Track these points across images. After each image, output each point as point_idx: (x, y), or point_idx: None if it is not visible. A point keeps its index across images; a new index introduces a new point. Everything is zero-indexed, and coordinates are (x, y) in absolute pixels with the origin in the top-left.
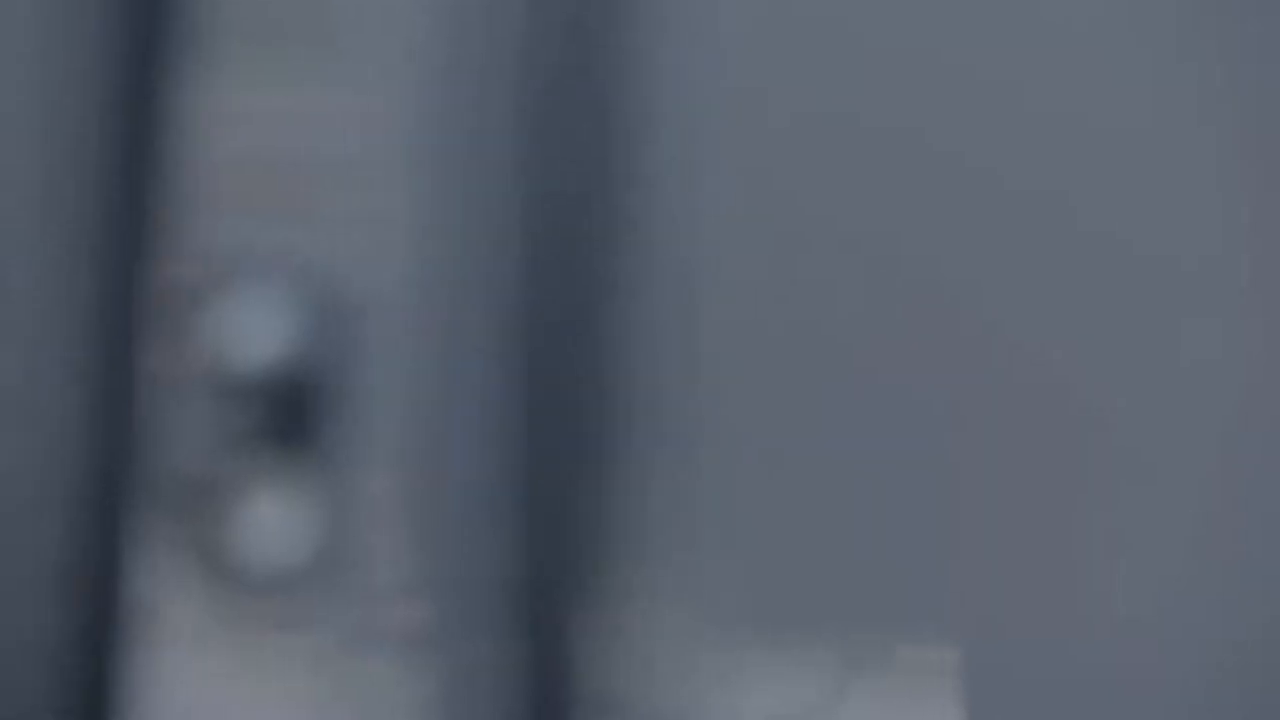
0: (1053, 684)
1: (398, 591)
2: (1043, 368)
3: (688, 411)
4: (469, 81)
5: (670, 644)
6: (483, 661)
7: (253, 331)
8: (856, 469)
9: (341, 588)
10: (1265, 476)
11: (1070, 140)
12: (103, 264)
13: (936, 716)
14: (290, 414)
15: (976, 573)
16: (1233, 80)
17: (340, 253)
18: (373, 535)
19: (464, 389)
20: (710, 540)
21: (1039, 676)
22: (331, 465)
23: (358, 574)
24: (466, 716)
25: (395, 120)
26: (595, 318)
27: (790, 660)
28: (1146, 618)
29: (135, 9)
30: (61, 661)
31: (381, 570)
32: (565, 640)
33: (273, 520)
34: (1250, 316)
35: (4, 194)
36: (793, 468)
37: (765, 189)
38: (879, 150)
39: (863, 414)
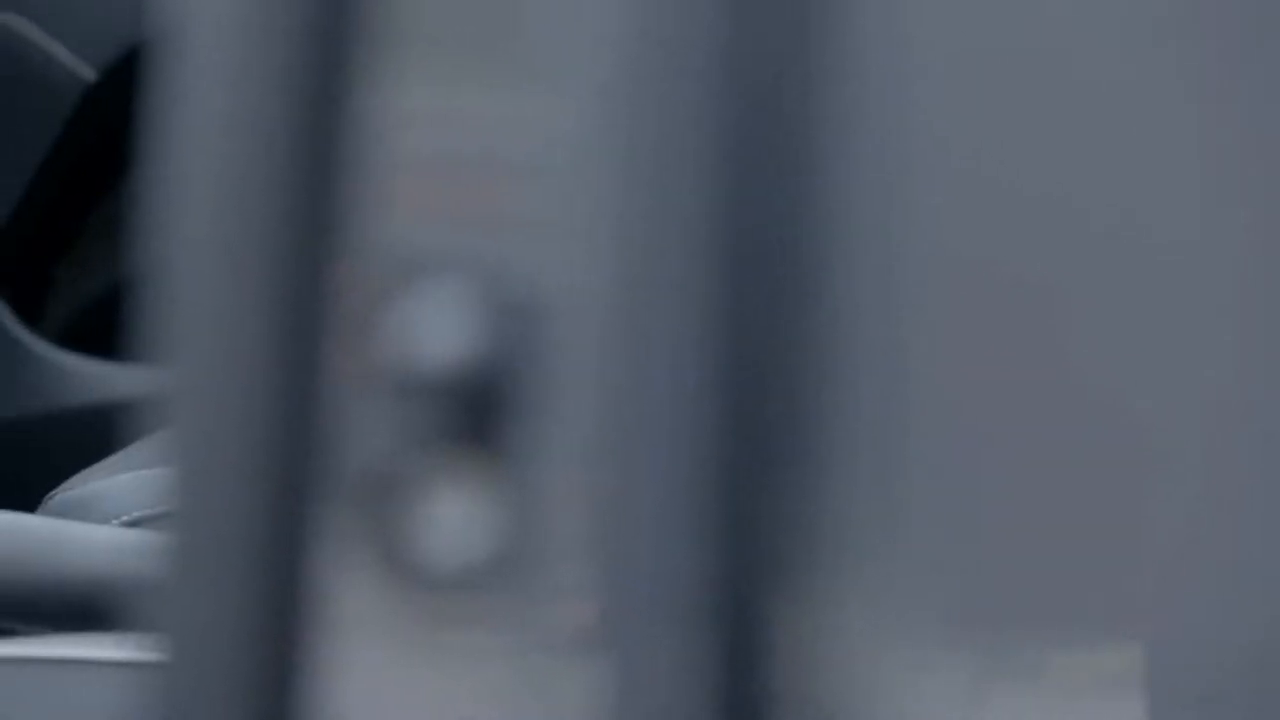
0: (1234, 690)
1: (582, 589)
2: (1232, 370)
3: (883, 412)
4: (659, 81)
5: (859, 644)
6: (667, 661)
7: (436, 331)
8: (1045, 469)
9: (525, 585)
10: None
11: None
12: (288, 264)
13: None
14: (474, 413)
15: (1160, 574)
16: None
17: (526, 252)
18: (556, 533)
19: (652, 387)
20: (900, 539)
21: (1215, 682)
22: (515, 464)
23: (541, 572)
24: (650, 716)
25: (582, 120)
26: (792, 316)
27: (974, 662)
28: None
29: (321, 8)
30: (246, 658)
31: (565, 568)
32: (753, 639)
33: (455, 518)
34: None
35: (191, 194)
36: (985, 467)
37: (966, 192)
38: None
39: (1051, 412)
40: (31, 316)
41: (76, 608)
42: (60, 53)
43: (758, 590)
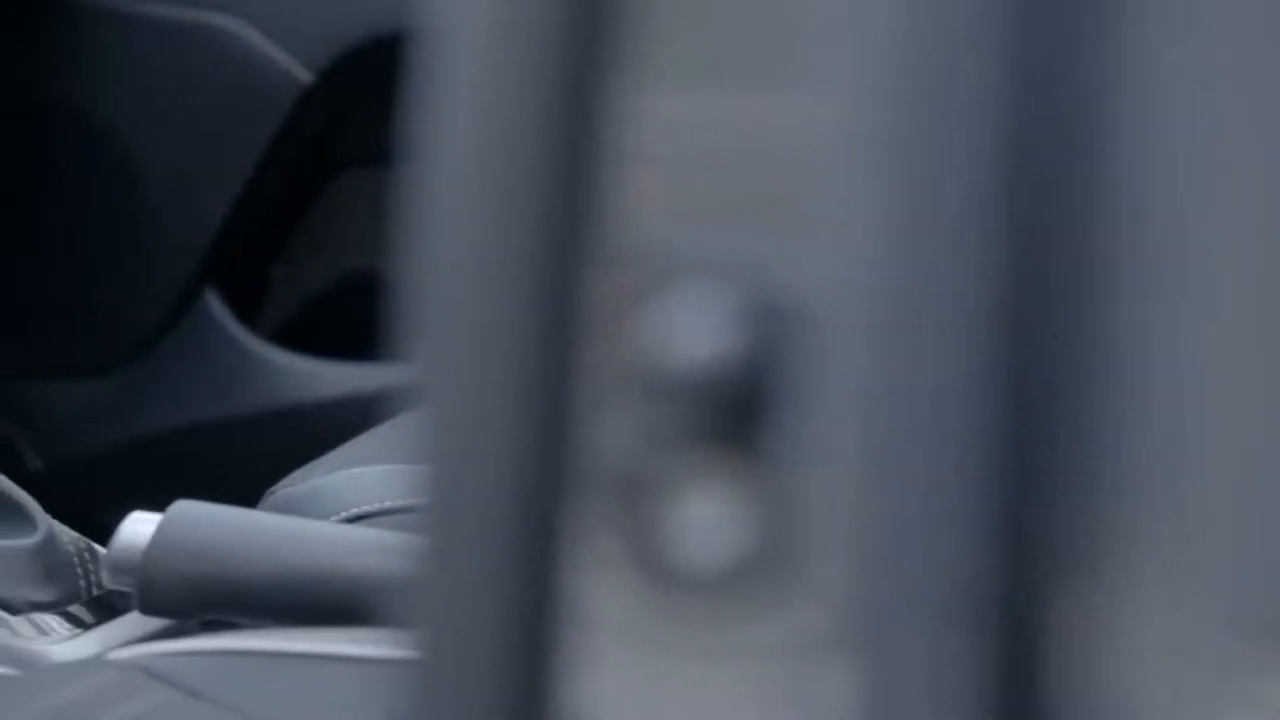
0: None
1: (838, 592)
2: None
3: (1166, 411)
4: (929, 75)
5: (1136, 651)
6: (928, 666)
7: (693, 331)
8: None
9: (780, 587)
10: None
11: None
12: (543, 262)
13: None
14: (730, 413)
15: None
16: None
17: (787, 252)
18: (813, 535)
19: (920, 387)
20: (1183, 541)
21: None
22: (771, 464)
23: (797, 573)
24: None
25: (847, 117)
26: (1071, 314)
27: (1256, 671)
28: None
29: (577, 5)
30: (497, 657)
31: (821, 570)
32: (1021, 644)
33: (709, 518)
34: None
35: (445, 193)
36: (1273, 470)
37: (1261, 197)
38: None
39: None
40: (248, 315)
41: (298, 602)
42: (277, 55)
43: (1027, 593)
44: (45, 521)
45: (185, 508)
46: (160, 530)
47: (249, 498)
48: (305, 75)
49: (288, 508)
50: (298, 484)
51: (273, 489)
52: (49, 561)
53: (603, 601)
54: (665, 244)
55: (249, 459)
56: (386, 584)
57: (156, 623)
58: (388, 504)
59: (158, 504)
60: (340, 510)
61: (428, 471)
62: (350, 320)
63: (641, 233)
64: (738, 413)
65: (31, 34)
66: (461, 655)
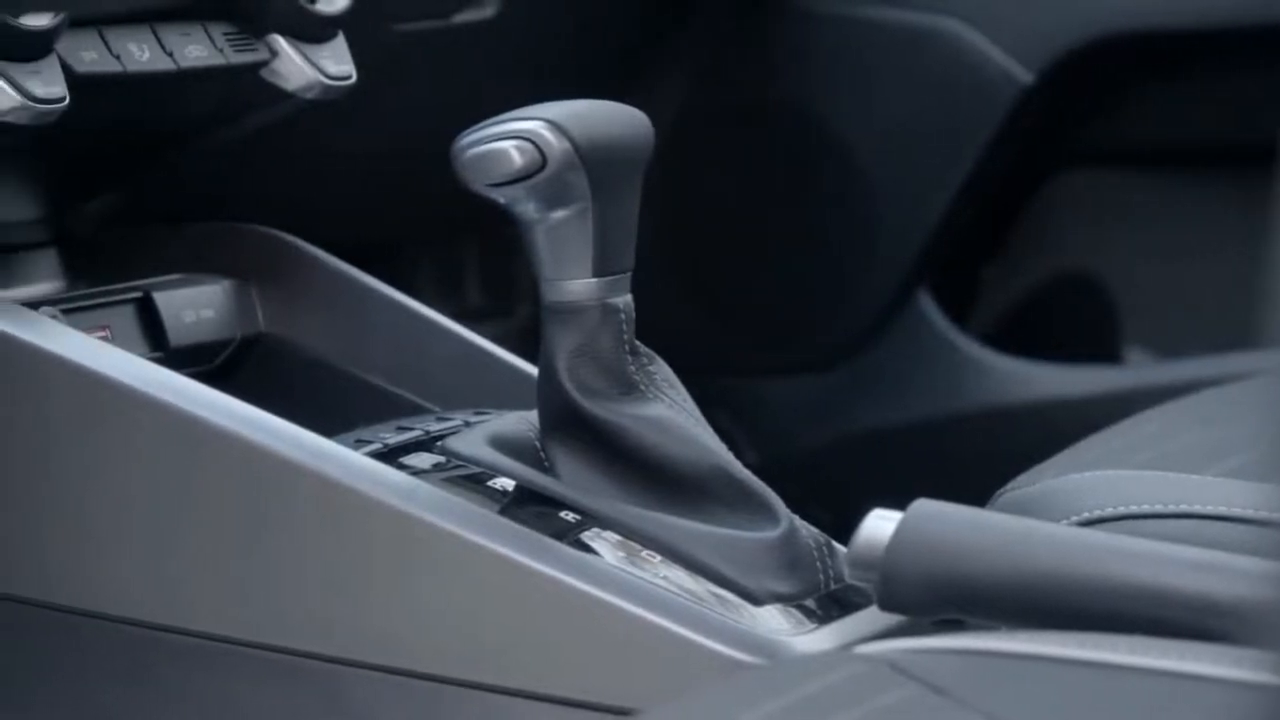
0: None
1: None
2: None
3: None
4: None
5: None
6: None
7: None
8: None
9: None
10: None
11: None
12: None
13: None
14: None
15: None
16: None
17: None
18: None
19: None
20: None
21: None
22: None
23: None
24: None
25: None
26: None
27: None
28: None
29: None
30: None
31: None
32: None
33: None
34: None
35: None
36: None
37: None
38: None
39: None
40: (959, 315)
41: (1040, 605)
42: (998, 56)
43: None
44: (787, 515)
45: (925, 506)
46: (901, 528)
47: (960, 496)
48: (1026, 76)
49: (1020, 508)
50: (1027, 485)
51: (1002, 489)
52: (790, 555)
53: None
54: None
55: (959, 458)
56: (1133, 593)
57: (888, 619)
58: (1123, 509)
59: (868, 502)
60: (1074, 513)
61: None
62: (1062, 322)
63: None
64: None
65: (758, 38)
66: None
